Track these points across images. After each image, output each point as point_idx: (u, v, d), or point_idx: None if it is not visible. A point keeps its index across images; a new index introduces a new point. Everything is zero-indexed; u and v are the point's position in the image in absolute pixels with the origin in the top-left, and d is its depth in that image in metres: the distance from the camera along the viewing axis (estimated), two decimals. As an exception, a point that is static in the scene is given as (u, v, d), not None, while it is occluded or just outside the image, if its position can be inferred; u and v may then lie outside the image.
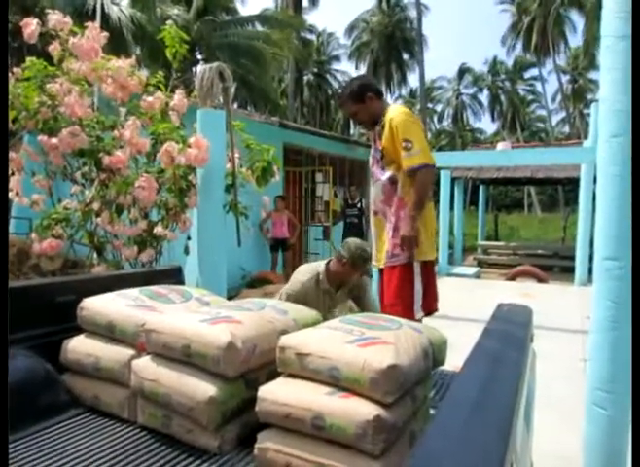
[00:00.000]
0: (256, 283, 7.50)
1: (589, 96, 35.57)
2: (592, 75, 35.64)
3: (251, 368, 1.47)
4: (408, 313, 2.42)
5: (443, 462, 0.67)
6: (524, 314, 1.62)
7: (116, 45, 10.52)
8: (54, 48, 3.21)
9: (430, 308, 2.62)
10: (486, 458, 0.68)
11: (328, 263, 2.91)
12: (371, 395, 1.25)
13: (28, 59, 3.21)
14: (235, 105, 16.61)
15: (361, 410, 1.22)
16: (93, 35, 3.22)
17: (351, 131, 39.09)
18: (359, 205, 8.57)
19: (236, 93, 15.64)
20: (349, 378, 1.27)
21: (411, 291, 2.53)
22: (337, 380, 1.29)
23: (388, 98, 36.34)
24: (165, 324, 1.52)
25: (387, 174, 2.60)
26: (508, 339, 1.32)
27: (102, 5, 10.17)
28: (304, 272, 2.91)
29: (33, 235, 3.24)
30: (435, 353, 1.55)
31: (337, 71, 37.72)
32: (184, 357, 1.46)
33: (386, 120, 2.56)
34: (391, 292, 2.57)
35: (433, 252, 2.66)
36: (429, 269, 2.63)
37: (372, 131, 2.76)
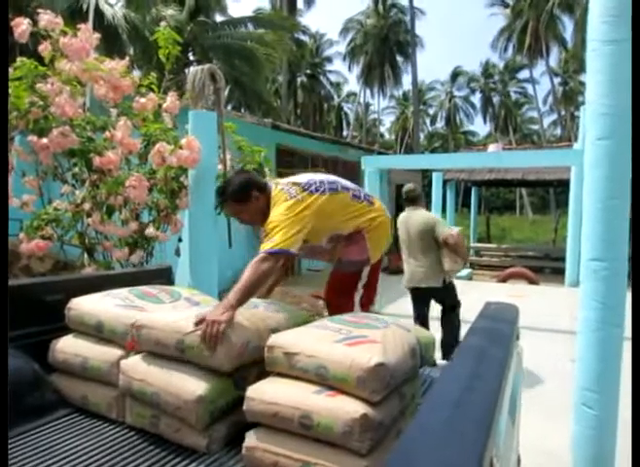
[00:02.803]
0: (248, 284, 7.48)
1: (580, 99, 35.81)
2: (583, 78, 35.76)
3: (244, 362, 1.48)
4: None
5: (423, 458, 0.68)
6: (511, 312, 1.64)
7: (110, 44, 10.48)
8: (45, 47, 3.20)
9: (362, 307, 2.58)
10: (467, 453, 0.69)
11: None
12: (358, 393, 1.26)
13: (19, 59, 3.20)
14: (229, 107, 16.58)
15: (348, 408, 1.22)
16: (85, 36, 3.22)
17: (344, 133, 39.20)
18: None
19: (230, 95, 15.61)
20: (336, 377, 1.28)
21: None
22: (324, 379, 1.30)
23: (381, 100, 36.40)
24: (157, 320, 1.52)
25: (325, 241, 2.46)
26: (493, 336, 1.33)
27: (96, 4, 10.10)
28: None
29: (21, 236, 3.22)
30: (423, 352, 1.56)
31: (330, 72, 37.84)
32: (177, 352, 1.46)
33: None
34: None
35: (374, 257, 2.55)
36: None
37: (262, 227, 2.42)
